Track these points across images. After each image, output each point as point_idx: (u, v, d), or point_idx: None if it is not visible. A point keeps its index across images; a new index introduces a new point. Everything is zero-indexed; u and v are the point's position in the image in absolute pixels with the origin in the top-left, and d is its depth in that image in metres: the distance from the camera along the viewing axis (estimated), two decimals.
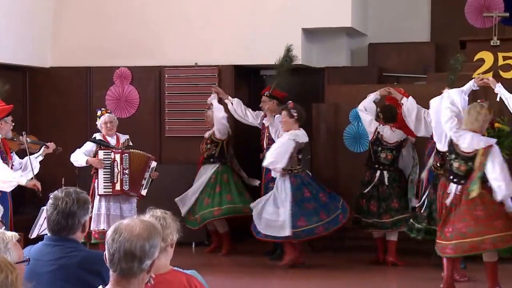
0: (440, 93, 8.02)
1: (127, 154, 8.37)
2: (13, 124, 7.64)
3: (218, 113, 9.59)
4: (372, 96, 8.97)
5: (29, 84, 10.95)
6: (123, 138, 8.62)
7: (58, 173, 9.52)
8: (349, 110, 9.78)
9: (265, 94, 9.55)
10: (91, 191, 8.28)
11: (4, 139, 7.49)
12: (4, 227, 4.72)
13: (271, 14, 10.37)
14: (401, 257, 9.00)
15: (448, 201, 7.31)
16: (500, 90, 7.48)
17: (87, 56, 10.82)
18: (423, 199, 8.51)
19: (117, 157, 8.33)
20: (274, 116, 9.35)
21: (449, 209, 7.26)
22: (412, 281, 8.29)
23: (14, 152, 7.72)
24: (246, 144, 10.28)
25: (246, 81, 11.23)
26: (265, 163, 8.89)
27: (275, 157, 8.73)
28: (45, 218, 3.91)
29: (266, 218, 8.78)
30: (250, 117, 9.71)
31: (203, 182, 9.62)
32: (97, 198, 8.32)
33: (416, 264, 8.89)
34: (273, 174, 9.00)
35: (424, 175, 8.63)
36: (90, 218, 7.81)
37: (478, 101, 7.55)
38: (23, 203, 10.05)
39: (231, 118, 9.83)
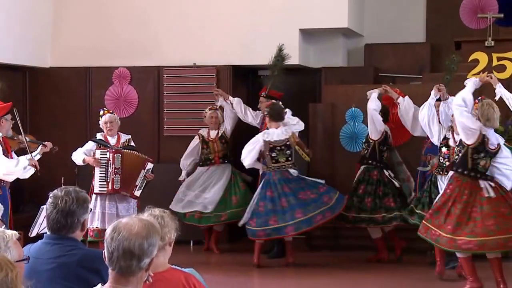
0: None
1: (119, 154, 8.42)
2: (13, 122, 7.66)
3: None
4: (375, 95, 8.97)
5: (29, 84, 10.95)
6: (124, 138, 8.66)
7: (58, 173, 9.55)
8: (346, 110, 9.85)
9: (262, 95, 9.64)
10: (90, 190, 8.32)
11: (4, 138, 7.52)
12: (4, 225, 4.71)
13: (269, 15, 10.40)
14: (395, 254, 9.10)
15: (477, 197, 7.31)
16: (501, 90, 7.54)
17: (87, 56, 10.84)
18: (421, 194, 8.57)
19: (111, 156, 8.41)
20: None
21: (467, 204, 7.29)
22: (410, 280, 8.30)
23: (13, 151, 7.77)
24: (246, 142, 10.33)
25: (244, 81, 11.25)
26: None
27: (244, 153, 8.98)
28: (44, 216, 3.92)
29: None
30: (249, 116, 9.76)
31: (225, 181, 9.73)
32: (93, 196, 8.36)
33: (413, 262, 8.93)
34: (260, 171, 9.24)
35: (432, 166, 8.62)
36: None
37: (479, 98, 7.60)
38: (22, 202, 10.12)
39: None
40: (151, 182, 8.55)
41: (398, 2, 11.57)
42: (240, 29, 10.47)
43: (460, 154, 7.39)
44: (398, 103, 8.98)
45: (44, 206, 3.92)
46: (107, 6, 10.92)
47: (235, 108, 9.78)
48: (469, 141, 7.30)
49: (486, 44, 9.85)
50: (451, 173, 7.57)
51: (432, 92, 8.36)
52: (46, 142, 7.92)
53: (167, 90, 10.71)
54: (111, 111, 8.84)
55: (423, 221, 7.65)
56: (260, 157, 9.21)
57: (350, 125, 9.85)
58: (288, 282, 8.46)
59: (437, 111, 8.46)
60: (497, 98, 7.59)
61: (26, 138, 7.77)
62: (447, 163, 8.00)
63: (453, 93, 8.45)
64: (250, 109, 9.81)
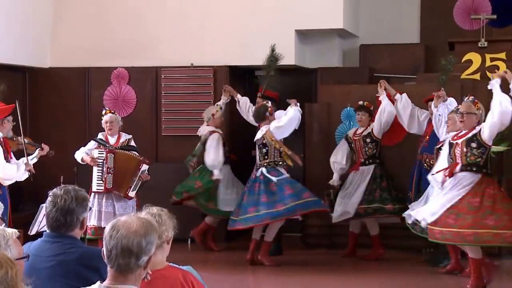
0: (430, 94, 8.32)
1: (112, 154, 8.50)
2: (14, 123, 7.68)
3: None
4: (385, 95, 9.08)
5: (29, 84, 10.98)
6: (124, 137, 8.71)
7: (57, 171, 9.64)
8: (341, 109, 9.92)
9: (258, 95, 9.73)
10: (90, 189, 8.38)
11: (5, 138, 7.55)
12: (4, 224, 4.68)
13: (266, 16, 10.47)
14: (391, 252, 9.19)
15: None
16: None
17: (86, 57, 10.89)
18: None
19: (106, 156, 8.50)
20: None
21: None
22: (405, 277, 8.35)
23: (12, 152, 7.83)
24: (246, 141, 10.39)
25: (241, 81, 11.29)
26: None
27: None
28: (44, 215, 3.94)
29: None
30: (250, 116, 9.86)
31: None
32: (92, 194, 8.40)
33: (408, 259, 9.01)
34: None
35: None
36: None
37: (467, 97, 7.71)
38: (22, 200, 10.17)
39: (224, 114, 9.96)
40: (149, 181, 8.58)
41: (393, 4, 11.62)
42: (237, 30, 10.54)
43: (484, 156, 7.44)
44: (396, 100, 9.06)
45: (44, 205, 3.94)
46: (106, 7, 10.97)
47: (241, 106, 9.85)
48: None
49: (480, 45, 9.89)
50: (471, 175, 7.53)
51: (433, 104, 8.46)
52: (43, 145, 7.96)
53: (165, 90, 10.77)
54: (112, 111, 8.90)
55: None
56: None
57: (345, 124, 9.90)
58: (284, 280, 8.47)
59: (431, 113, 8.62)
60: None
61: (25, 140, 7.80)
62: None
63: (448, 94, 8.58)
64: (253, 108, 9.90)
